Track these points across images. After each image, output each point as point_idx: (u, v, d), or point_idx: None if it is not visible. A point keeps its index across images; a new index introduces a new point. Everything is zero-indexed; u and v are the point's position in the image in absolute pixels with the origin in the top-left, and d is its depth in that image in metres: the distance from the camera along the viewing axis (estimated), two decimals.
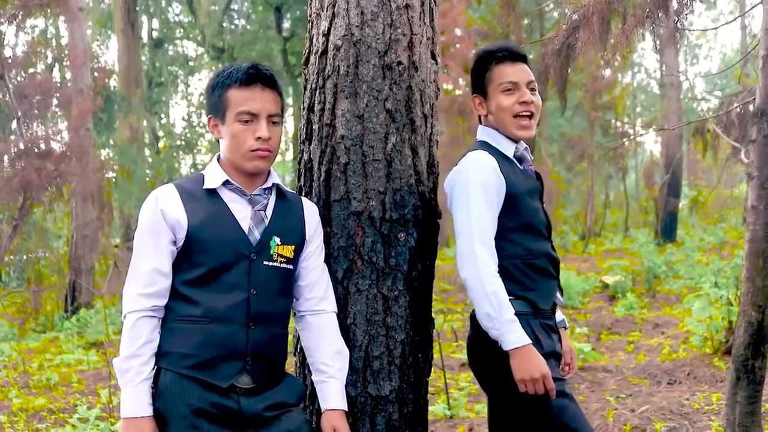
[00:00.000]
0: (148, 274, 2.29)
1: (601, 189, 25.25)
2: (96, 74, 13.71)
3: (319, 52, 2.69)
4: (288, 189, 2.49)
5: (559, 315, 2.88)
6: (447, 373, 6.20)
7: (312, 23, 2.75)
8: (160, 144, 27.91)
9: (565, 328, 2.92)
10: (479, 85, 2.69)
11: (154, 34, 28.02)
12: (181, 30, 28.10)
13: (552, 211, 22.20)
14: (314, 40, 2.73)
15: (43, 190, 8.00)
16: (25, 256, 12.75)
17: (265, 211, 2.39)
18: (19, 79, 10.38)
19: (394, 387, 2.65)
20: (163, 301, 2.30)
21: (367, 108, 2.61)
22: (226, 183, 2.36)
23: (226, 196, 2.36)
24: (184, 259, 2.32)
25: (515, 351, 2.47)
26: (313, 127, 2.72)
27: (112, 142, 22.35)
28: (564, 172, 24.48)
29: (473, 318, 2.67)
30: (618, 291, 11.11)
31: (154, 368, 2.28)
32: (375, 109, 2.62)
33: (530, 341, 2.48)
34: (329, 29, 2.66)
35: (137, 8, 22.37)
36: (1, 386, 7.69)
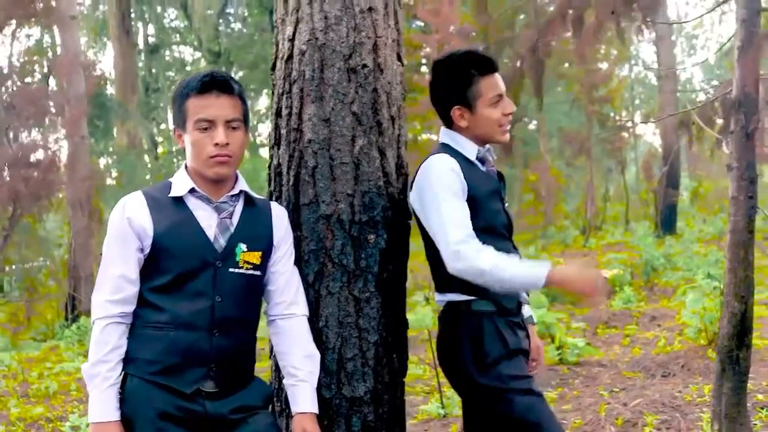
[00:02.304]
0: (115, 281, 2.32)
1: (601, 183, 25.26)
2: (89, 81, 13.75)
3: (285, 57, 2.71)
4: (257, 195, 2.51)
5: (527, 311, 2.90)
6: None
7: (278, 29, 2.77)
8: (159, 149, 27.97)
9: (533, 324, 2.93)
10: (461, 96, 2.64)
11: (150, 40, 28.07)
12: (177, 35, 28.16)
13: (552, 206, 22.23)
14: (280, 46, 2.75)
15: (33, 200, 8.03)
16: (25, 265, 12.78)
17: (231, 218, 2.40)
18: (13, 88, 10.44)
19: (368, 388, 2.66)
20: (131, 308, 2.33)
21: (334, 111, 2.63)
22: (192, 191, 2.37)
23: (192, 203, 2.38)
24: (150, 267, 2.34)
25: (552, 277, 2.43)
26: (281, 132, 2.73)
27: (111, 149, 22.47)
28: (564, 167, 24.48)
29: (441, 318, 2.70)
30: (616, 284, 11.11)
31: (121, 374, 2.30)
32: (341, 112, 2.63)
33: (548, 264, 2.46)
34: (294, 34, 2.68)
35: (132, 15, 22.41)
36: (1, 396, 7.72)
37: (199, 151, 2.34)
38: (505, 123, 2.67)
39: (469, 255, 2.46)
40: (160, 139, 28.92)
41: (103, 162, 23.83)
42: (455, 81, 2.65)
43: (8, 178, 7.69)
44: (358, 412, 2.65)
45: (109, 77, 22.49)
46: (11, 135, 9.20)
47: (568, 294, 2.50)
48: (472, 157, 2.66)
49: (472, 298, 2.60)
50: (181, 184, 2.39)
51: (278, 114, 2.74)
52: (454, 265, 2.49)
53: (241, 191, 2.44)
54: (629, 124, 23.03)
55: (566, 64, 20.53)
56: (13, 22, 9.80)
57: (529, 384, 2.60)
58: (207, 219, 2.37)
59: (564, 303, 10.09)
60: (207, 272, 2.33)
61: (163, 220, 2.34)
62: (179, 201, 2.37)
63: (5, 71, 10.52)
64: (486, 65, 2.64)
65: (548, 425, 2.55)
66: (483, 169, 2.69)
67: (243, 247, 2.39)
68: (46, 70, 13.91)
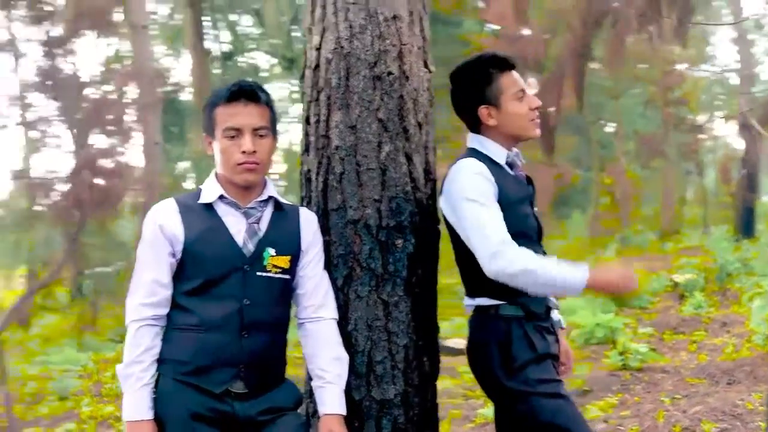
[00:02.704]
0: (148, 285, 2.40)
1: (678, 186, 24.63)
2: (162, 89, 14.11)
3: (313, 65, 2.77)
4: (286, 201, 2.57)
5: (556, 316, 2.89)
6: None
7: (306, 38, 2.83)
8: None
9: (562, 329, 2.93)
10: (484, 95, 2.67)
11: (224, 47, 28.60)
12: (252, 42, 28.56)
13: (629, 209, 21.78)
14: (308, 55, 2.80)
15: (99, 205, 8.30)
16: (101, 269, 13.18)
17: (259, 223, 2.47)
18: (90, 96, 10.82)
19: (398, 391, 2.69)
20: (164, 311, 2.41)
21: (360, 118, 2.67)
22: (221, 197, 2.45)
23: (222, 210, 2.45)
24: (182, 271, 2.42)
25: (591, 281, 2.48)
26: (310, 139, 2.79)
27: (186, 154, 22.94)
28: (639, 170, 23.97)
29: (470, 323, 2.71)
30: (688, 289, 10.86)
31: (155, 375, 2.38)
32: (367, 119, 2.67)
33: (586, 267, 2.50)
34: (320, 43, 2.74)
35: (206, 23, 22.88)
36: (75, 395, 8.00)
37: (228, 159, 2.41)
38: (534, 117, 2.68)
39: (511, 256, 2.47)
40: None
41: (180, 167, 24.39)
42: (476, 82, 2.68)
43: (78, 184, 7.96)
44: (388, 414, 2.69)
45: (184, 84, 23.03)
46: (86, 141, 9.53)
47: (606, 294, 2.55)
48: (501, 161, 2.67)
49: (501, 302, 2.62)
50: (210, 190, 2.47)
51: (307, 121, 2.80)
52: (491, 267, 2.49)
53: (269, 197, 2.51)
54: (704, 125, 22.42)
55: (642, 65, 20.12)
56: (88, 32, 10.15)
57: (557, 387, 2.60)
58: (236, 224, 2.44)
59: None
60: (236, 276, 2.40)
61: (194, 226, 2.42)
62: (209, 207, 2.45)
63: (82, 80, 10.89)
64: (503, 63, 2.68)
65: (577, 429, 2.54)
66: (512, 173, 2.70)
67: (271, 251, 2.45)
68: (121, 78, 14.34)
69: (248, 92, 2.43)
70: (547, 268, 2.46)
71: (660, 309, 10.34)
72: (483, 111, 2.68)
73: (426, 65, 2.81)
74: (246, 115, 2.40)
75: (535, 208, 2.80)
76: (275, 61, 29.63)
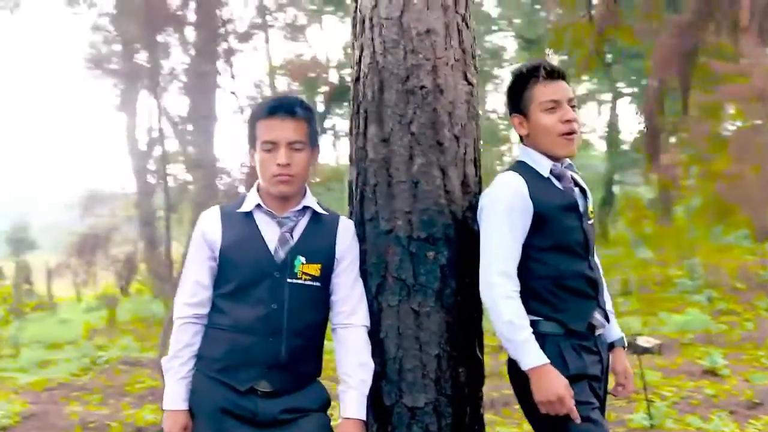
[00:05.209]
0: (191, 286, 2.64)
1: None
2: None
3: (354, 79, 2.86)
4: (326, 211, 2.68)
5: (617, 333, 2.82)
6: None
7: (351, 54, 2.92)
8: None
9: (624, 348, 2.83)
10: (518, 104, 2.69)
11: None
12: (493, 24, 28.52)
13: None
14: (353, 69, 2.89)
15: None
16: None
17: (292, 232, 2.61)
18: None
19: (430, 399, 2.73)
20: (205, 310, 2.63)
21: (392, 132, 2.72)
22: (258, 206, 2.62)
23: (259, 218, 2.62)
24: (220, 274, 2.63)
25: (532, 371, 2.49)
26: (353, 150, 2.89)
27: None
28: None
29: None
30: None
31: (193, 369, 2.61)
32: (399, 132, 2.72)
33: (547, 361, 2.48)
34: (360, 58, 2.82)
35: None
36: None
37: (265, 171, 2.58)
38: (563, 131, 2.61)
39: (497, 294, 2.52)
40: None
41: None
42: (513, 89, 2.69)
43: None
44: (420, 421, 2.73)
45: None
46: None
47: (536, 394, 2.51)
48: (545, 173, 2.64)
49: (539, 318, 2.59)
50: (250, 200, 2.65)
51: (351, 133, 2.89)
52: (482, 292, 2.57)
53: (304, 207, 2.64)
54: None
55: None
56: None
57: (588, 411, 2.53)
58: (271, 233, 2.60)
59: None
60: (266, 282, 2.56)
61: (232, 233, 2.61)
62: (248, 215, 2.63)
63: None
64: (544, 72, 2.63)
65: None
66: (559, 185, 2.65)
67: (302, 259, 2.59)
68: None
69: (286, 107, 2.58)
70: (516, 330, 2.50)
71: None
72: (515, 120, 2.69)
73: (466, 78, 2.79)
74: (282, 129, 2.55)
75: (590, 221, 2.72)
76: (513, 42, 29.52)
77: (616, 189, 25.85)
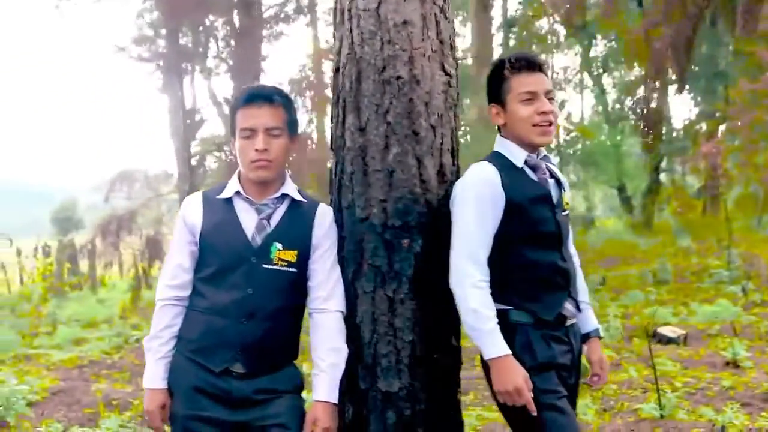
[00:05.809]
0: (173, 269, 2.73)
1: None
2: None
3: (334, 69, 2.91)
4: (305, 198, 2.74)
5: (593, 324, 2.85)
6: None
7: (333, 44, 2.96)
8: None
9: (599, 338, 2.85)
10: (496, 94, 2.72)
11: (508, 14, 28.62)
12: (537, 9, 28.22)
13: None
14: (334, 60, 2.94)
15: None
16: None
17: (270, 219, 2.68)
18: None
19: (404, 384, 2.78)
20: (185, 293, 2.72)
21: (369, 121, 2.77)
22: (237, 193, 2.69)
23: (238, 205, 2.70)
24: (200, 259, 2.71)
25: (493, 361, 2.54)
26: (332, 138, 2.95)
27: (462, 122, 23.50)
28: None
29: None
30: None
31: (173, 349, 2.70)
32: (375, 122, 2.76)
33: (509, 353, 2.51)
34: (340, 48, 2.87)
35: None
36: None
37: (244, 157, 2.65)
38: (539, 122, 2.64)
39: (465, 282, 2.57)
40: None
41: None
42: (491, 80, 2.73)
43: None
44: (394, 406, 2.79)
45: (464, 52, 23.52)
46: None
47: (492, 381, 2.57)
48: (519, 163, 2.67)
49: (509, 307, 2.63)
50: (230, 187, 2.72)
51: (332, 121, 2.95)
52: (451, 279, 2.61)
53: (283, 194, 2.70)
54: None
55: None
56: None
57: (555, 400, 2.57)
58: (249, 219, 2.68)
59: None
60: (243, 267, 2.64)
61: (211, 218, 2.69)
62: (228, 202, 2.70)
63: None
64: (521, 63, 2.66)
65: None
66: (533, 176, 2.67)
67: (278, 245, 2.66)
68: None
69: (263, 95, 2.65)
70: (480, 319, 2.53)
71: None
72: (492, 109, 2.72)
73: (444, 68, 2.82)
74: (260, 116, 2.62)
75: (564, 212, 2.74)
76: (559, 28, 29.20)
77: (662, 177, 25.53)
